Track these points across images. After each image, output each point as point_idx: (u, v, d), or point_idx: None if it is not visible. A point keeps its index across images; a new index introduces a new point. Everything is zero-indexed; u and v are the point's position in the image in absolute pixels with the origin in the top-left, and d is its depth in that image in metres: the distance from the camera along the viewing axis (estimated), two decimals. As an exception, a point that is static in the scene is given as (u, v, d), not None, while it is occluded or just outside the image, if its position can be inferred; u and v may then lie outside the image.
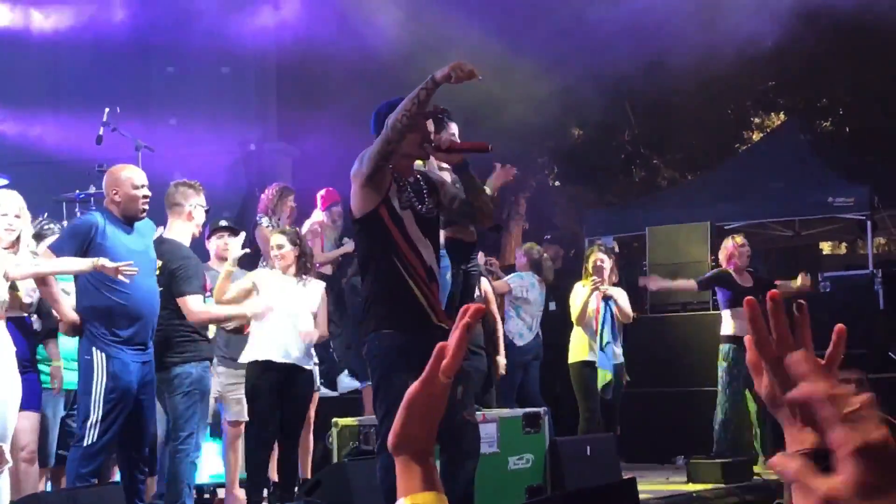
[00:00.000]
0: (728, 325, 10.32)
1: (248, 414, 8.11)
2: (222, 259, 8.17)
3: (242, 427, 8.38)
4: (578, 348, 10.03)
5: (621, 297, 10.15)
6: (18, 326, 6.91)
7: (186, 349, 7.34)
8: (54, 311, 6.89)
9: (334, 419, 7.84)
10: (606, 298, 9.98)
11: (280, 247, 8.06)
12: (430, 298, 5.37)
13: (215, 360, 8.05)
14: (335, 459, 7.71)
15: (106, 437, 6.54)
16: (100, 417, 6.52)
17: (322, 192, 10.88)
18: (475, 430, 5.55)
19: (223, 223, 8.79)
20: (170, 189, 7.48)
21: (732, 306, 10.35)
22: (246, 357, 7.92)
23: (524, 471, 8.09)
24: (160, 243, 7.25)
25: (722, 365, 10.26)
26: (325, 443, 8.35)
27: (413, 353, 5.01)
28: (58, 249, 6.65)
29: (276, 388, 7.81)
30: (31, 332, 7.08)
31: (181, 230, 7.45)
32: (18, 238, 6.97)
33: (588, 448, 8.69)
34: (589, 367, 9.94)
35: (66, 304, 6.74)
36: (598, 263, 10.08)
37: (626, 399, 10.30)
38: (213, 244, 8.55)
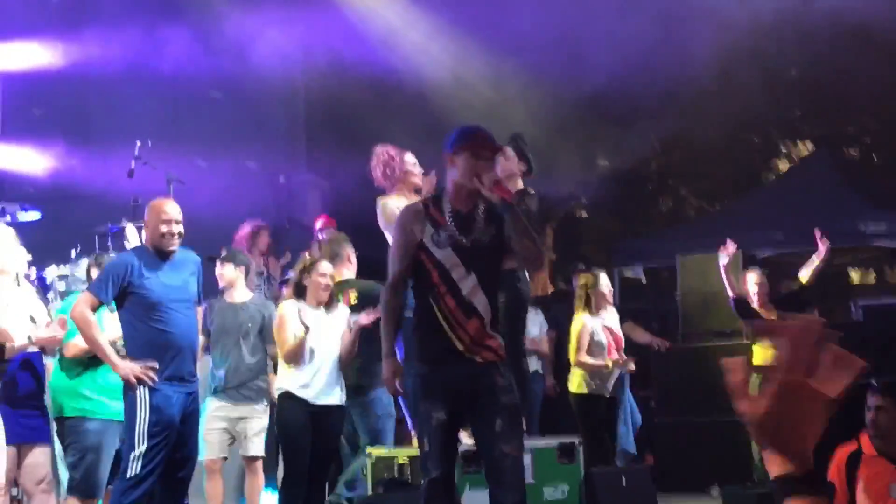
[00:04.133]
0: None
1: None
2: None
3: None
4: (579, 380, 9.97)
5: (613, 320, 10.09)
6: (23, 361, 6.95)
7: None
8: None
9: (368, 450, 7.82)
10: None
11: (327, 286, 7.88)
12: (461, 332, 5.51)
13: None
14: (369, 491, 7.70)
15: (149, 468, 6.57)
16: (143, 451, 6.54)
17: (320, 219, 10.98)
18: (516, 464, 5.51)
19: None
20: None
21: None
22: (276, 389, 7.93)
23: (559, 502, 8.02)
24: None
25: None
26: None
27: (435, 384, 5.49)
28: (97, 290, 6.70)
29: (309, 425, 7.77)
30: (38, 366, 7.11)
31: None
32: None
33: (623, 478, 8.65)
34: (586, 400, 9.89)
35: (114, 353, 6.78)
36: (608, 291, 10.03)
37: (661, 429, 10.25)
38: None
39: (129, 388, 6.62)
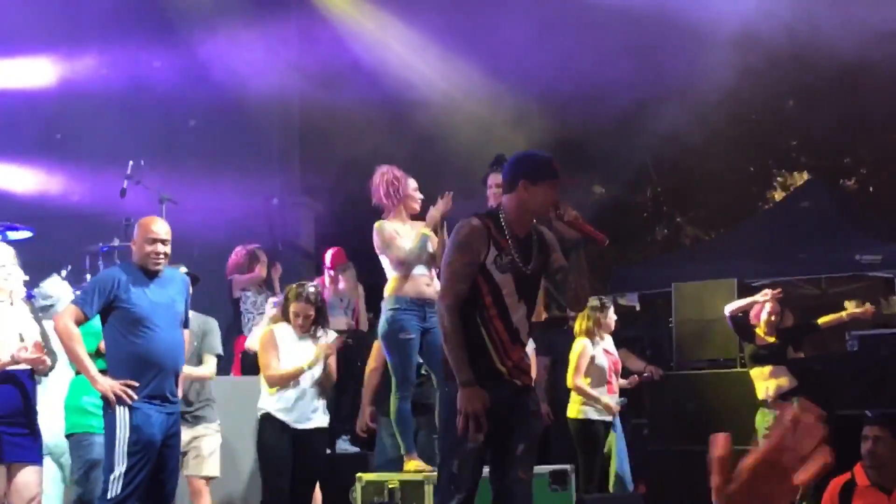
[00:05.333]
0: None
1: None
2: None
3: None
4: (577, 406, 9.92)
5: (609, 345, 10.08)
6: (12, 380, 6.87)
7: None
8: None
9: (358, 474, 7.75)
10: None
11: (307, 317, 7.96)
12: (504, 357, 5.49)
13: None
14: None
15: (129, 489, 6.49)
16: (123, 471, 6.46)
17: (331, 251, 10.91)
18: (527, 490, 5.54)
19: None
20: None
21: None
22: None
23: (551, 529, 7.94)
24: None
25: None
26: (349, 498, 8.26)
27: None
28: (82, 303, 6.63)
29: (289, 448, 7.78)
30: (28, 385, 7.01)
31: None
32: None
33: (615, 506, 8.59)
34: (584, 425, 9.85)
35: (94, 368, 6.69)
36: (613, 318, 10.02)
37: (654, 456, 10.18)
38: None
39: (108, 406, 6.54)
